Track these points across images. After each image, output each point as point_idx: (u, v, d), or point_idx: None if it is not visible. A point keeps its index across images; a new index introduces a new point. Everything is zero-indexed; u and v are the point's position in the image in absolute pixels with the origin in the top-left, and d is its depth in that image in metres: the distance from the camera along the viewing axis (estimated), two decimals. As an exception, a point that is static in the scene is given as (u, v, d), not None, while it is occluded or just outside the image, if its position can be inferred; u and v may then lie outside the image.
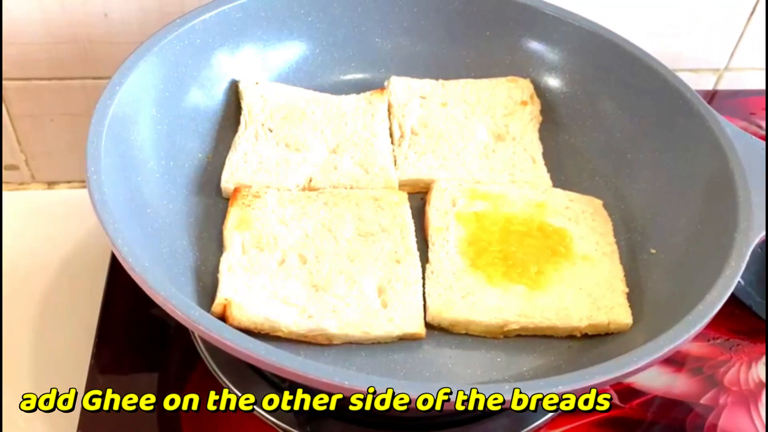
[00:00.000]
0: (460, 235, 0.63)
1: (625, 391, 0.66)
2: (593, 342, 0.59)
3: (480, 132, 0.72)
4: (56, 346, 0.71)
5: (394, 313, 0.57)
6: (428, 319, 0.58)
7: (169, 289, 0.48)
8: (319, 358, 0.55)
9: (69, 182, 0.91)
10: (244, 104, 0.70)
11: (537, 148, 0.71)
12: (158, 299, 0.47)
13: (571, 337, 0.59)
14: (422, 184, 0.68)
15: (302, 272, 0.59)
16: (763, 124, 0.90)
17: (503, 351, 0.58)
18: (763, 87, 0.95)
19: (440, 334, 0.58)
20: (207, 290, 0.58)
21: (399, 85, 0.74)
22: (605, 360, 0.49)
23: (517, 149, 0.70)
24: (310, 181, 0.66)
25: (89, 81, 0.82)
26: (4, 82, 0.81)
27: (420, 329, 0.57)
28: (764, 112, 0.91)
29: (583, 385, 0.47)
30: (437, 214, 0.64)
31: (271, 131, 0.69)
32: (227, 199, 0.64)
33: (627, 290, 0.61)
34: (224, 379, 0.62)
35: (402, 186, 0.67)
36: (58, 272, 0.78)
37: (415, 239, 0.62)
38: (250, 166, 0.66)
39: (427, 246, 0.63)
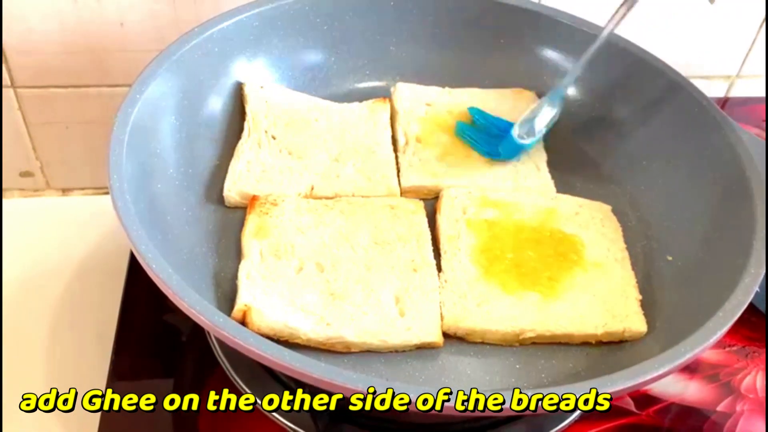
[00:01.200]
0: (471, 242, 0.63)
1: (641, 398, 0.65)
2: (611, 349, 0.59)
3: None
4: (71, 353, 0.72)
5: (411, 322, 0.57)
6: (444, 328, 0.58)
7: (192, 296, 0.48)
8: (337, 365, 0.54)
9: (83, 189, 0.91)
10: (248, 109, 0.70)
11: (541, 156, 0.71)
12: (183, 305, 0.48)
13: (586, 343, 0.59)
14: (426, 191, 0.68)
15: (319, 280, 0.59)
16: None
17: (522, 358, 0.58)
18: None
19: (458, 342, 0.58)
20: (227, 297, 0.58)
21: (404, 92, 0.74)
22: (625, 367, 0.49)
23: (521, 157, 0.71)
24: (312, 189, 0.66)
25: (105, 89, 0.82)
26: (20, 90, 0.81)
27: (438, 338, 0.57)
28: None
29: (604, 392, 0.47)
30: (448, 222, 0.64)
31: (274, 138, 0.69)
32: (242, 208, 0.64)
33: (640, 297, 0.61)
34: (242, 384, 0.62)
35: (406, 193, 0.68)
36: (71, 279, 0.79)
37: (431, 248, 0.62)
38: (252, 175, 0.66)
39: (439, 254, 0.63)
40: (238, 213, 0.64)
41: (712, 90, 0.95)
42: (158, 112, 0.62)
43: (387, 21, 0.76)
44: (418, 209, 0.65)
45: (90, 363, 0.68)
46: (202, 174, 0.66)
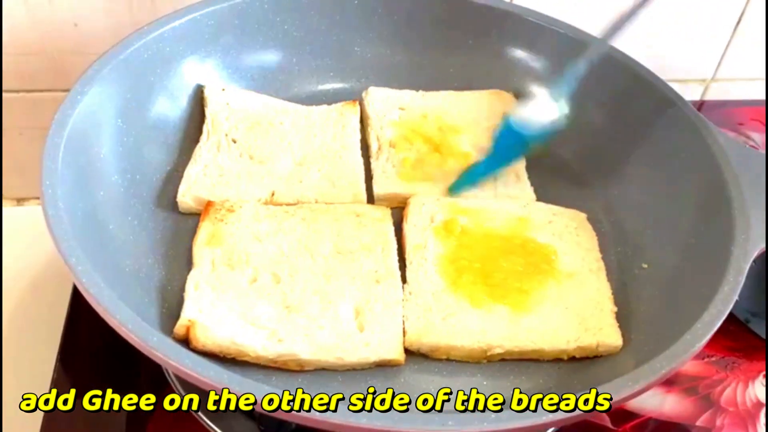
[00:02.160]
0: (439, 252, 0.60)
1: (617, 414, 0.63)
2: (583, 364, 0.56)
3: (462, 144, 0.69)
4: (20, 369, 0.68)
5: (370, 337, 0.54)
6: (406, 344, 0.54)
7: (124, 312, 0.45)
8: (291, 385, 0.51)
9: (38, 198, 0.88)
10: (208, 112, 0.68)
11: (521, 164, 0.69)
12: (113, 322, 0.44)
13: (557, 359, 0.56)
14: (401, 199, 0.65)
15: (275, 292, 0.56)
16: (753, 135, 0.90)
17: (488, 375, 0.55)
18: (751, 97, 0.94)
19: (421, 359, 0.55)
20: (173, 312, 0.55)
21: (377, 96, 0.72)
22: (598, 383, 0.46)
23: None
24: (273, 194, 0.63)
25: (60, 93, 0.79)
26: (-30, 95, 0.79)
27: (398, 355, 0.54)
28: (753, 122, 0.90)
29: (577, 414, 0.44)
30: (415, 230, 0.62)
31: (234, 142, 0.66)
32: (196, 215, 0.61)
33: (615, 309, 0.58)
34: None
35: (380, 201, 0.65)
36: (25, 291, 0.76)
37: (397, 258, 0.60)
38: (209, 179, 0.63)
39: (404, 265, 0.60)
40: (191, 221, 0.61)
41: (688, 93, 0.94)
42: (101, 114, 0.59)
43: (351, 20, 0.73)
44: (385, 217, 0.62)
45: (38, 380, 0.65)
46: (152, 180, 0.63)
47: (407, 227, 0.62)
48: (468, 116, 0.72)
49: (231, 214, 0.60)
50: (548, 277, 0.59)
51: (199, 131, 0.67)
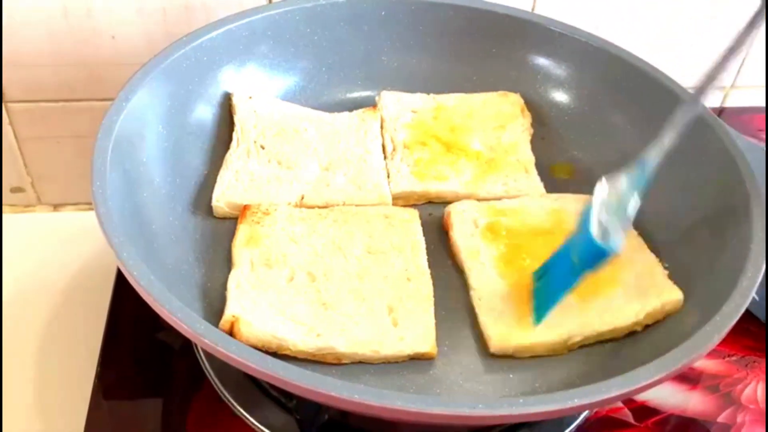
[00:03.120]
0: (493, 254, 0.62)
1: (639, 410, 0.64)
2: (610, 354, 0.57)
3: (473, 144, 0.71)
4: (60, 371, 0.71)
5: (404, 332, 0.56)
6: (493, 350, 0.56)
7: (175, 303, 0.47)
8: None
9: (75, 204, 0.91)
10: (236, 119, 0.70)
11: (530, 159, 0.71)
12: (164, 313, 0.47)
13: (585, 350, 0.58)
14: (416, 197, 0.68)
15: (311, 290, 0.58)
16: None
17: (515, 368, 0.56)
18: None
19: (450, 351, 0.57)
20: (213, 307, 0.57)
21: (390, 100, 0.74)
22: (623, 371, 0.47)
23: (509, 160, 0.70)
24: (302, 198, 0.65)
25: (96, 103, 0.82)
26: (10, 105, 0.81)
27: (431, 348, 0.56)
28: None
29: (593, 401, 0.46)
30: (463, 238, 0.63)
31: (263, 148, 0.68)
32: (231, 219, 0.63)
33: (667, 271, 0.60)
34: (230, 399, 0.60)
35: (396, 199, 0.67)
36: (63, 296, 0.78)
37: (426, 257, 0.61)
38: (241, 185, 0.65)
39: (459, 271, 0.62)
40: (227, 223, 0.64)
41: (708, 100, 0.94)
42: (145, 120, 0.62)
43: (378, 31, 0.75)
44: (413, 218, 0.64)
45: (80, 381, 0.67)
46: (190, 184, 0.65)
47: (455, 236, 0.63)
48: (477, 117, 0.74)
49: (267, 217, 0.62)
50: None
51: (230, 137, 0.69)
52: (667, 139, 0.54)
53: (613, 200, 0.52)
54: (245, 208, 0.63)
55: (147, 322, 0.65)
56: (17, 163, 0.86)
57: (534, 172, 0.70)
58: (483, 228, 0.64)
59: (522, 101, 0.75)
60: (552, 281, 0.56)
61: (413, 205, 0.67)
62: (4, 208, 0.89)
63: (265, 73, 0.73)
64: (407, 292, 0.58)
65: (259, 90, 0.72)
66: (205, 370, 0.62)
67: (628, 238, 0.61)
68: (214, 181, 0.66)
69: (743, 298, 0.52)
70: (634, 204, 0.53)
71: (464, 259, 0.62)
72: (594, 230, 0.52)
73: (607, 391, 0.45)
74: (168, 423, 0.61)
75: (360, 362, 0.55)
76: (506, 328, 0.57)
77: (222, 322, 0.54)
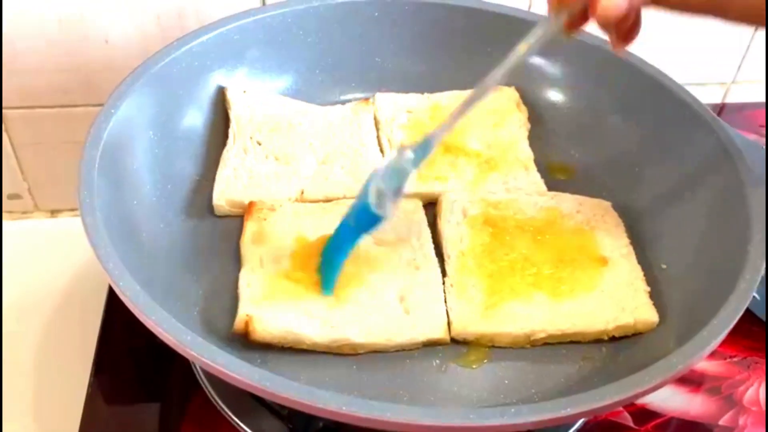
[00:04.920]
0: (475, 245, 0.62)
1: (639, 413, 0.63)
2: (608, 357, 0.57)
3: (471, 143, 0.71)
4: (58, 375, 0.70)
5: (416, 320, 0.56)
6: (453, 334, 0.57)
7: (159, 313, 0.46)
8: (345, 372, 0.54)
9: (72, 210, 0.90)
10: (232, 115, 0.69)
11: (529, 156, 0.71)
12: (148, 323, 0.46)
13: (598, 340, 0.58)
14: (419, 198, 0.67)
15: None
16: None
17: (509, 374, 0.56)
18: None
19: (446, 356, 0.57)
20: (207, 313, 0.57)
21: (384, 101, 0.74)
22: (619, 377, 0.47)
23: (508, 158, 0.70)
24: (302, 193, 0.65)
25: (92, 108, 0.81)
26: (6, 111, 0.81)
27: (444, 334, 0.56)
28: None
29: (593, 407, 0.45)
30: (449, 225, 0.63)
31: (259, 144, 0.69)
32: (226, 218, 0.63)
33: (649, 289, 0.60)
34: (224, 408, 0.60)
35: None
36: (61, 301, 0.77)
37: (432, 246, 0.62)
38: (240, 182, 0.65)
39: (442, 259, 0.62)
40: (220, 227, 0.63)
41: (708, 96, 0.93)
42: (134, 126, 0.61)
43: (372, 32, 0.75)
44: (417, 209, 0.65)
45: (76, 387, 0.66)
46: (182, 189, 0.65)
47: (442, 223, 0.64)
48: (474, 114, 0.72)
49: (273, 213, 0.62)
50: (582, 263, 0.61)
51: (222, 141, 0.69)
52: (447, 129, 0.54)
53: (394, 171, 0.54)
54: (251, 205, 0.63)
55: (141, 328, 0.64)
56: (13, 169, 0.86)
57: (533, 169, 0.69)
58: (470, 218, 0.64)
59: (517, 95, 0.74)
60: (333, 248, 0.58)
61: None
62: (1, 215, 0.89)
63: (258, 76, 0.72)
64: (416, 281, 0.59)
65: (252, 94, 0.72)
66: (199, 378, 0.62)
67: (619, 246, 0.63)
68: (206, 186, 0.65)
69: (742, 300, 0.51)
70: (412, 177, 0.55)
71: (445, 247, 0.62)
72: (371, 198, 0.54)
73: (602, 398, 0.45)
74: (163, 429, 0.61)
75: (375, 351, 0.55)
76: (470, 315, 0.57)
77: (236, 321, 0.54)
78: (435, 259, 0.60)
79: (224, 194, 0.64)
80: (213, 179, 0.66)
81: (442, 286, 0.59)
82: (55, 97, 0.81)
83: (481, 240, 0.62)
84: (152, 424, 0.62)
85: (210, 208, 0.64)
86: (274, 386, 0.44)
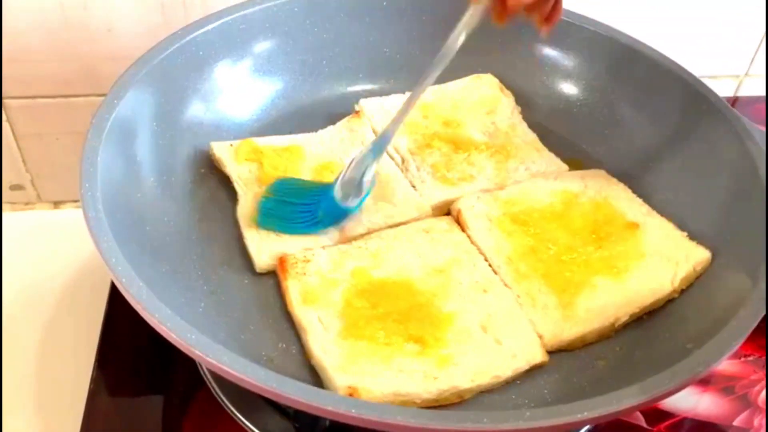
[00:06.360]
0: (516, 247, 0.60)
1: (652, 413, 0.62)
2: (623, 356, 0.56)
3: (474, 135, 0.69)
4: (60, 368, 0.70)
5: (512, 348, 0.53)
6: (547, 348, 0.55)
7: (163, 310, 0.45)
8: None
9: (75, 201, 0.90)
10: (229, 172, 0.64)
11: (534, 138, 0.70)
12: (151, 320, 0.45)
13: (596, 354, 0.56)
14: (447, 205, 0.64)
15: (397, 330, 0.53)
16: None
17: (522, 377, 0.54)
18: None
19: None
20: (210, 310, 0.56)
21: (372, 107, 0.71)
22: (634, 378, 0.46)
23: (516, 143, 0.69)
24: (343, 230, 0.61)
25: (94, 98, 0.81)
26: (7, 101, 0.80)
27: (544, 356, 0.54)
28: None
29: (611, 411, 0.44)
30: (480, 234, 0.61)
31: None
32: (232, 209, 0.62)
33: (685, 233, 0.60)
34: (228, 404, 0.59)
35: (433, 211, 0.64)
36: (63, 293, 0.77)
37: (486, 261, 0.59)
38: (272, 233, 0.60)
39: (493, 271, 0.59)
40: (223, 224, 0.62)
41: (721, 89, 0.92)
42: (138, 117, 0.60)
43: (380, 21, 0.74)
44: (452, 227, 0.62)
45: (78, 380, 0.66)
46: (185, 182, 0.64)
47: (472, 233, 0.61)
48: (463, 107, 0.72)
49: (308, 265, 0.57)
50: (618, 234, 0.61)
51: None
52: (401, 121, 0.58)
53: (356, 165, 0.58)
54: (282, 261, 0.57)
55: (144, 322, 0.64)
56: (16, 160, 0.85)
57: (544, 149, 0.69)
58: (496, 220, 0.62)
59: (497, 80, 0.74)
60: (290, 217, 0.59)
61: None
62: (3, 205, 0.89)
63: (263, 67, 0.71)
64: (489, 305, 0.55)
65: (256, 85, 0.71)
66: (203, 374, 0.61)
67: (638, 206, 0.63)
68: (210, 179, 0.64)
69: (761, 301, 0.50)
70: (372, 170, 0.58)
71: (490, 257, 0.60)
72: (337, 193, 0.58)
73: (618, 402, 0.44)
74: (166, 425, 0.60)
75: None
76: (555, 323, 0.56)
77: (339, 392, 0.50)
78: (496, 276, 0.58)
79: (262, 252, 0.58)
80: (217, 171, 0.65)
81: (517, 304, 0.56)
82: (57, 87, 0.80)
83: (520, 240, 0.60)
84: (155, 420, 0.61)
85: (215, 203, 0.63)
86: (281, 387, 0.42)
